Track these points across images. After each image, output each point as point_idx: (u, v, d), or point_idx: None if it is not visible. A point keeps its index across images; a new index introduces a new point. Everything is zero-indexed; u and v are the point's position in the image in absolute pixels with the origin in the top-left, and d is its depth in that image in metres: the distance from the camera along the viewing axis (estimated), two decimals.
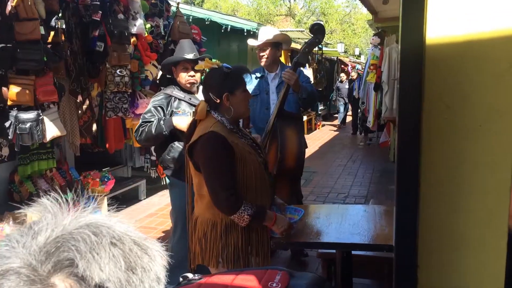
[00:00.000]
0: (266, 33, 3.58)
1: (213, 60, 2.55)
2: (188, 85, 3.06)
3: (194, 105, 2.96)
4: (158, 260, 0.59)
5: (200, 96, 3.06)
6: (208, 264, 2.17)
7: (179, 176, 2.83)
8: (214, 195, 2.05)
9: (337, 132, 12.92)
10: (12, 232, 0.55)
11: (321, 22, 4.26)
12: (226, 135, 2.06)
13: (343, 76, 14.26)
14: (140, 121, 3.00)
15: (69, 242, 0.51)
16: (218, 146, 2.04)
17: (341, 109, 14.08)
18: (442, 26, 1.05)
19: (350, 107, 13.95)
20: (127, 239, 0.56)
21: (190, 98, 3.05)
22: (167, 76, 3.25)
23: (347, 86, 13.54)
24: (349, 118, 14.41)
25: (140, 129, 2.94)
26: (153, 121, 2.91)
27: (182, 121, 2.85)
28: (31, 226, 0.54)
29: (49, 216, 0.55)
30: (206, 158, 2.07)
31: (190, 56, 3.06)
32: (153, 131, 2.88)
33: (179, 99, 3.03)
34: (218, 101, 2.15)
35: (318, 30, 3.30)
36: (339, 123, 14.28)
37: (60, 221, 0.54)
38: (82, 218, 0.56)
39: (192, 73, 3.04)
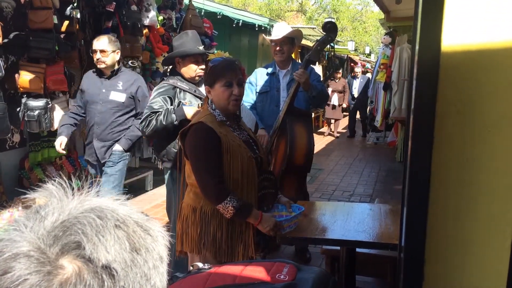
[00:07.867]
0: (284, 29, 3.59)
1: (224, 52, 2.58)
2: (197, 78, 3.03)
3: (199, 97, 2.96)
4: (160, 240, 0.61)
5: (203, 89, 3.06)
6: (190, 250, 2.18)
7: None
8: (202, 183, 2.08)
9: (344, 130, 12.87)
10: (19, 217, 0.56)
11: (334, 20, 4.26)
12: (215, 126, 2.09)
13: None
14: (146, 110, 2.86)
15: (76, 225, 0.53)
16: (204, 136, 2.08)
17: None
18: (456, 34, 1.07)
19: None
20: (130, 221, 0.58)
21: (195, 90, 2.99)
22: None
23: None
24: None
25: (148, 119, 2.81)
26: (161, 112, 2.80)
27: (193, 111, 2.78)
28: (37, 211, 0.56)
29: (55, 201, 0.57)
30: (192, 148, 2.11)
31: (201, 48, 3.04)
32: (164, 121, 2.77)
33: (184, 91, 2.95)
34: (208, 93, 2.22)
35: (331, 28, 3.30)
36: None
37: (66, 205, 0.57)
38: (87, 202, 0.58)
39: (203, 66, 3.00)
